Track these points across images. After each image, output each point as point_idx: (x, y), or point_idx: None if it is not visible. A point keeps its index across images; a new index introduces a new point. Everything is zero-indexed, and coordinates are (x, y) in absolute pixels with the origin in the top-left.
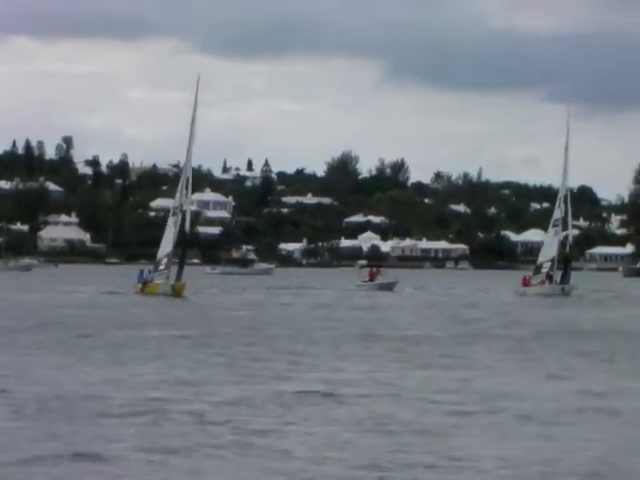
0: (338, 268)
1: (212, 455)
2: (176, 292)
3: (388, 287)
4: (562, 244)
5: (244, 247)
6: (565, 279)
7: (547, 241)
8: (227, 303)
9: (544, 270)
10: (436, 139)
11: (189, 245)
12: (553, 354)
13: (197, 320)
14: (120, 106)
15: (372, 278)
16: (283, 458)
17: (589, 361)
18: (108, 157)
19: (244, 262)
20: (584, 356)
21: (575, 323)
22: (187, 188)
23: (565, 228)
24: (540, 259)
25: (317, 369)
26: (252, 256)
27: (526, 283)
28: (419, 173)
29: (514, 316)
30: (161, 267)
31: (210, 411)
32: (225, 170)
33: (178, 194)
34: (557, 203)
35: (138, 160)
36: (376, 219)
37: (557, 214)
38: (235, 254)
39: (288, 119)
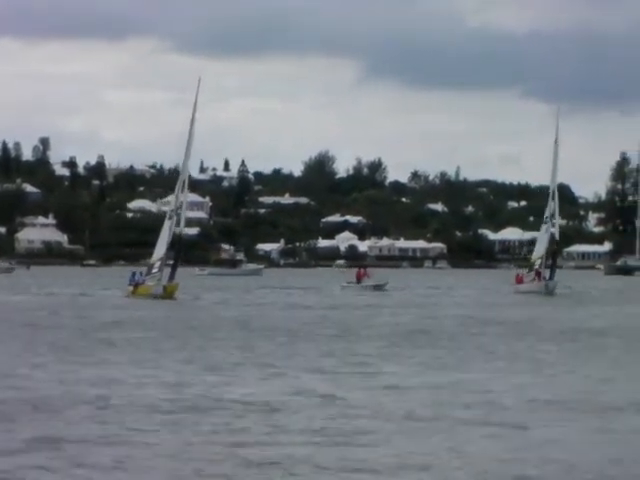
0: (316, 268)
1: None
2: (168, 293)
3: (379, 288)
4: (549, 241)
5: (231, 248)
6: (552, 276)
7: (540, 238)
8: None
9: (535, 267)
10: (413, 138)
11: (182, 247)
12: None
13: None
14: (97, 107)
15: (360, 279)
16: None
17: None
18: (85, 158)
19: (233, 263)
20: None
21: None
22: (183, 191)
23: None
24: (534, 256)
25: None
26: (240, 257)
27: (519, 281)
28: (396, 172)
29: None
30: (154, 270)
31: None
32: (202, 170)
33: (174, 197)
34: (550, 198)
35: (115, 161)
36: (353, 219)
37: (548, 211)
38: (223, 255)
39: (265, 119)
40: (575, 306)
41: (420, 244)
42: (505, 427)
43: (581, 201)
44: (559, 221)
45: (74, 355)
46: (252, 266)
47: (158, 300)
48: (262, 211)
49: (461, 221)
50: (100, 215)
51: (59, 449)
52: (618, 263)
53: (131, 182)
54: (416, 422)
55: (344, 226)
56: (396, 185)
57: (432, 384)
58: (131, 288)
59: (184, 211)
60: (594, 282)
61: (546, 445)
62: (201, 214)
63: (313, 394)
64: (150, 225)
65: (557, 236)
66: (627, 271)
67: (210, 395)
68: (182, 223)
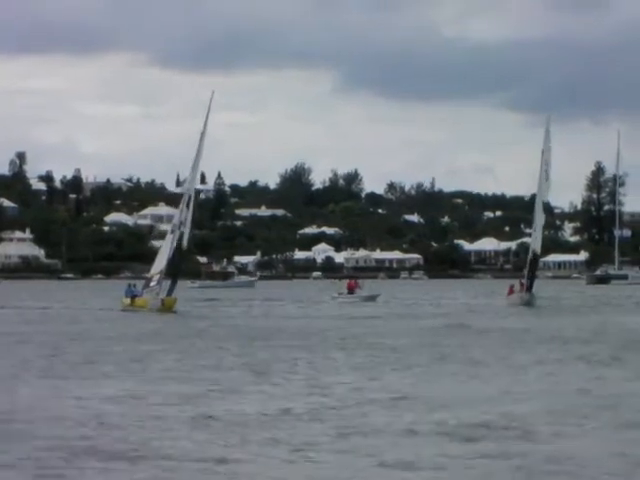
0: (293, 280)
1: None
2: (166, 307)
3: (371, 299)
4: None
5: (224, 260)
6: (530, 287)
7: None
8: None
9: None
10: (389, 149)
11: (182, 262)
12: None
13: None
14: (74, 121)
15: (351, 290)
16: None
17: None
18: (62, 172)
19: (224, 275)
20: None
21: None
22: (188, 206)
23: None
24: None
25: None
26: (232, 269)
27: (511, 292)
28: (372, 184)
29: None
30: (152, 283)
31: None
32: (179, 184)
33: (178, 212)
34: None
35: (92, 175)
36: (330, 230)
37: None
38: (215, 267)
39: (241, 131)
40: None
41: (396, 255)
42: None
43: (557, 211)
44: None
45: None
46: (244, 278)
47: (161, 313)
48: (238, 223)
49: (437, 232)
50: (77, 229)
51: None
52: (598, 272)
53: (108, 196)
54: None
55: (320, 238)
56: (372, 196)
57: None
58: (128, 300)
59: (188, 226)
60: (578, 292)
61: None
62: None
63: None
64: (127, 238)
65: (539, 249)
66: (608, 280)
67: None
68: (186, 237)
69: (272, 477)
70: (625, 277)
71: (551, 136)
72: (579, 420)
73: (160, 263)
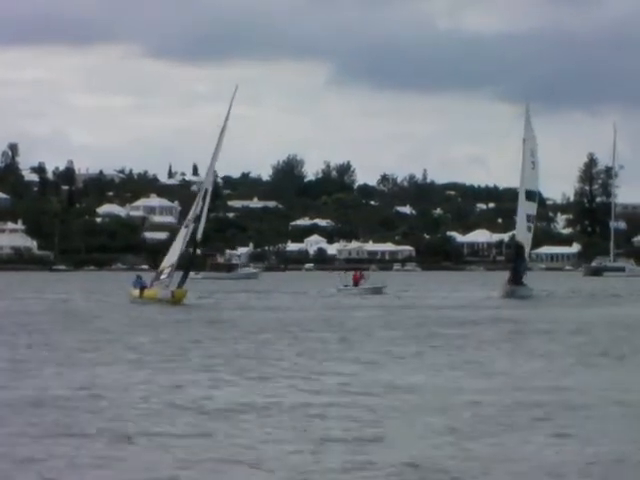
0: (285, 272)
1: None
2: (176, 299)
3: (377, 291)
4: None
5: (228, 252)
6: (516, 280)
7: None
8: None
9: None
10: (382, 141)
11: (195, 255)
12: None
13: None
14: (66, 112)
15: (357, 282)
16: None
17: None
18: (54, 164)
19: (228, 267)
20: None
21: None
22: (204, 200)
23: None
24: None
25: None
26: (236, 261)
27: None
28: (365, 175)
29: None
30: (163, 276)
31: None
32: (171, 175)
33: (194, 206)
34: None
35: (84, 166)
36: (322, 222)
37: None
38: (219, 259)
39: (233, 123)
40: None
41: (389, 247)
42: None
43: (549, 202)
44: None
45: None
46: (247, 270)
47: (171, 305)
48: (231, 215)
49: (429, 224)
50: (69, 220)
51: None
52: (594, 264)
53: (100, 187)
54: None
55: (313, 229)
56: (365, 188)
57: None
58: (137, 292)
59: (203, 220)
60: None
61: None
62: (170, 219)
63: None
64: (119, 230)
65: (523, 240)
66: (605, 273)
67: None
68: (200, 231)
69: None
70: (622, 269)
71: (538, 128)
72: None
73: (172, 256)
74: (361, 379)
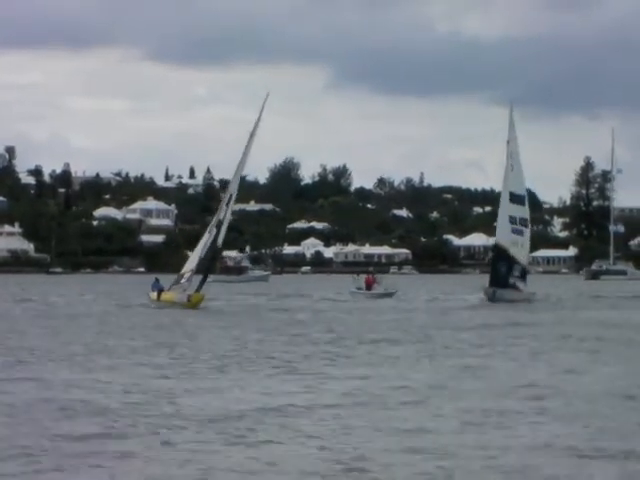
0: (282, 275)
1: None
2: (192, 303)
3: (389, 295)
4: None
5: (238, 255)
6: (497, 282)
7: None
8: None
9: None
10: (378, 144)
11: (215, 260)
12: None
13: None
14: (63, 116)
15: (370, 286)
16: None
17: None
18: (51, 167)
19: (238, 270)
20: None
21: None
22: (228, 204)
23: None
24: None
25: None
26: (246, 263)
27: None
28: (362, 179)
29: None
30: (183, 280)
31: None
32: (168, 178)
33: (218, 211)
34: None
35: (81, 169)
36: (319, 225)
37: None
38: (229, 262)
39: (230, 126)
40: None
41: (385, 250)
42: None
43: (546, 206)
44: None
45: None
46: (258, 272)
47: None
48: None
49: (426, 227)
50: (66, 223)
51: None
52: (594, 267)
53: (97, 190)
54: None
55: (309, 232)
56: (361, 191)
57: None
58: (154, 295)
59: (225, 224)
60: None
61: None
62: (167, 222)
63: None
64: (116, 233)
65: (502, 241)
66: (604, 275)
67: None
68: (222, 236)
69: None
70: (624, 272)
71: (535, 132)
72: None
73: (193, 261)
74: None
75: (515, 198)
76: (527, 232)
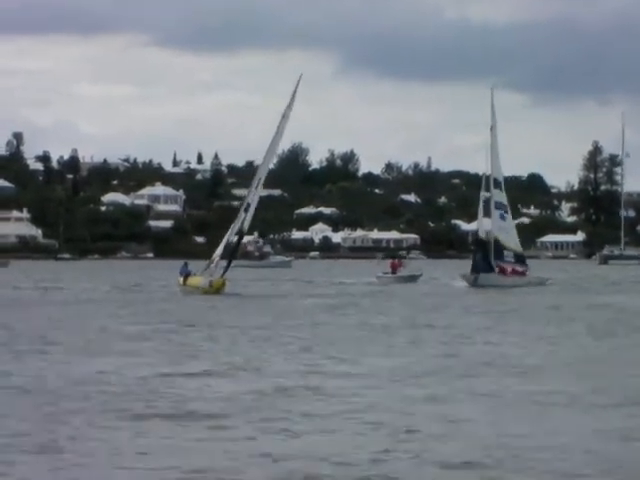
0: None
1: None
2: (214, 288)
3: (412, 279)
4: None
5: (260, 240)
6: (480, 267)
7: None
8: None
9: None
10: (386, 129)
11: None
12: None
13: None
14: (71, 101)
15: (395, 270)
16: None
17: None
18: (59, 153)
19: (260, 255)
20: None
21: None
22: (257, 188)
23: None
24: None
25: None
26: (267, 249)
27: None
28: (369, 164)
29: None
30: (212, 265)
31: None
32: (175, 164)
33: (247, 195)
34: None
35: (89, 155)
36: (327, 210)
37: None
38: (250, 247)
39: (238, 112)
40: None
41: (393, 235)
42: None
43: (554, 190)
44: (532, 210)
45: None
46: (280, 258)
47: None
48: (235, 203)
49: (434, 212)
50: (74, 209)
51: None
52: (605, 252)
53: (105, 176)
54: None
55: (317, 218)
56: (369, 176)
57: None
58: (181, 279)
59: (252, 209)
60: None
61: None
62: (175, 207)
63: None
64: (124, 218)
65: (507, 228)
66: (616, 260)
67: None
68: (248, 220)
69: None
70: (638, 257)
71: (544, 117)
72: None
73: (221, 247)
74: None
75: (498, 184)
76: (509, 218)
